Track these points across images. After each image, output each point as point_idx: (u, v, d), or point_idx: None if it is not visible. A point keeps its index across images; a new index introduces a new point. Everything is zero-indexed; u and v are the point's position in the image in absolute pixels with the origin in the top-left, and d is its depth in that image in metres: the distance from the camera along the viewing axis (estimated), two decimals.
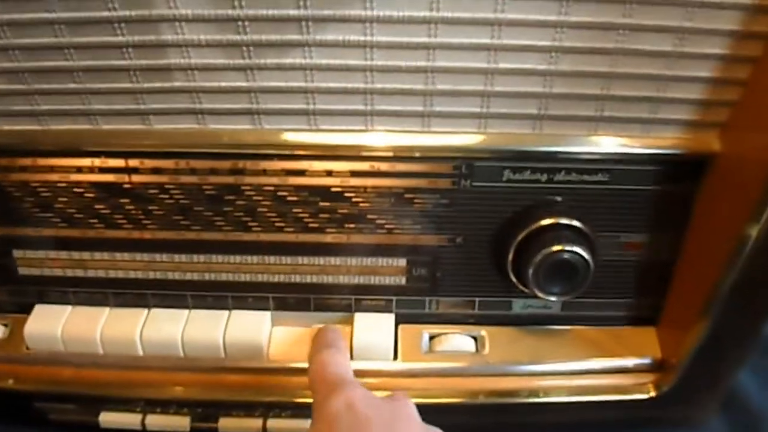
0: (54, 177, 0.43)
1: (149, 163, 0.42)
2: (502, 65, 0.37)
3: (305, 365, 0.45)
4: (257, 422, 0.45)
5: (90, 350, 0.46)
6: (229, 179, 0.42)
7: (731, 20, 0.36)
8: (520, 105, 0.39)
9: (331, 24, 0.36)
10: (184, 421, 0.46)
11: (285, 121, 0.40)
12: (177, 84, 0.38)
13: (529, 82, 0.38)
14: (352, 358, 0.45)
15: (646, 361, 0.47)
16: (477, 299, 0.46)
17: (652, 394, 0.46)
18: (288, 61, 0.37)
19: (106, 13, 0.36)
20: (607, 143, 0.40)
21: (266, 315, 0.46)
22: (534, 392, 0.46)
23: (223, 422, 0.45)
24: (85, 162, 0.42)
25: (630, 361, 0.47)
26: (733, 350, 0.45)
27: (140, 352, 0.46)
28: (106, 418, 0.46)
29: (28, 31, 0.37)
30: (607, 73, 0.38)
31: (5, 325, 0.48)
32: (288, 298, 0.46)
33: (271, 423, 0.45)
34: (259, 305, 0.46)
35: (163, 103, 0.39)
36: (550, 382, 0.46)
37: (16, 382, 0.46)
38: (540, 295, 0.42)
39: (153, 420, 0.46)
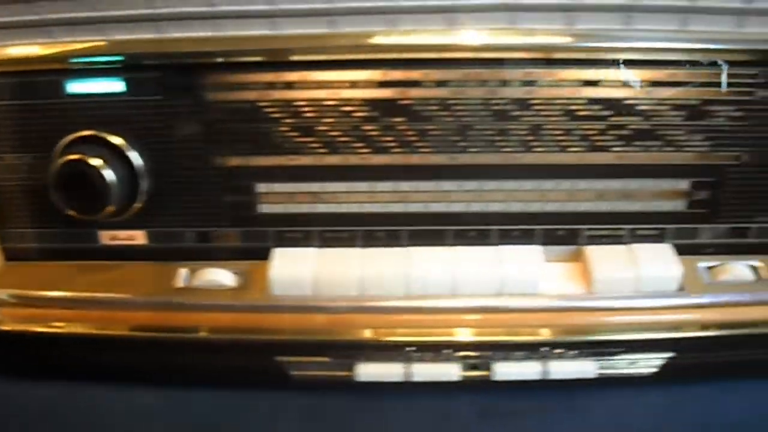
0: (321, 94, 0.39)
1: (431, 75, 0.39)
2: None
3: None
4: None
5: (346, 294, 0.41)
6: (520, 92, 0.39)
7: None
8: None
9: None
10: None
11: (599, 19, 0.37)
12: None
13: None
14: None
15: None
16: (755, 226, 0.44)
17: None
18: None
19: None
20: None
21: (537, 249, 0.42)
22: None
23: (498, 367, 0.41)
24: (360, 75, 0.39)
25: None
26: None
27: (406, 293, 0.41)
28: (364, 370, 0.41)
29: None
30: None
31: (235, 273, 0.43)
32: (557, 231, 0.43)
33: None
34: (526, 239, 0.43)
35: None
36: None
37: (256, 333, 0.41)
38: None
39: (419, 369, 0.41)
